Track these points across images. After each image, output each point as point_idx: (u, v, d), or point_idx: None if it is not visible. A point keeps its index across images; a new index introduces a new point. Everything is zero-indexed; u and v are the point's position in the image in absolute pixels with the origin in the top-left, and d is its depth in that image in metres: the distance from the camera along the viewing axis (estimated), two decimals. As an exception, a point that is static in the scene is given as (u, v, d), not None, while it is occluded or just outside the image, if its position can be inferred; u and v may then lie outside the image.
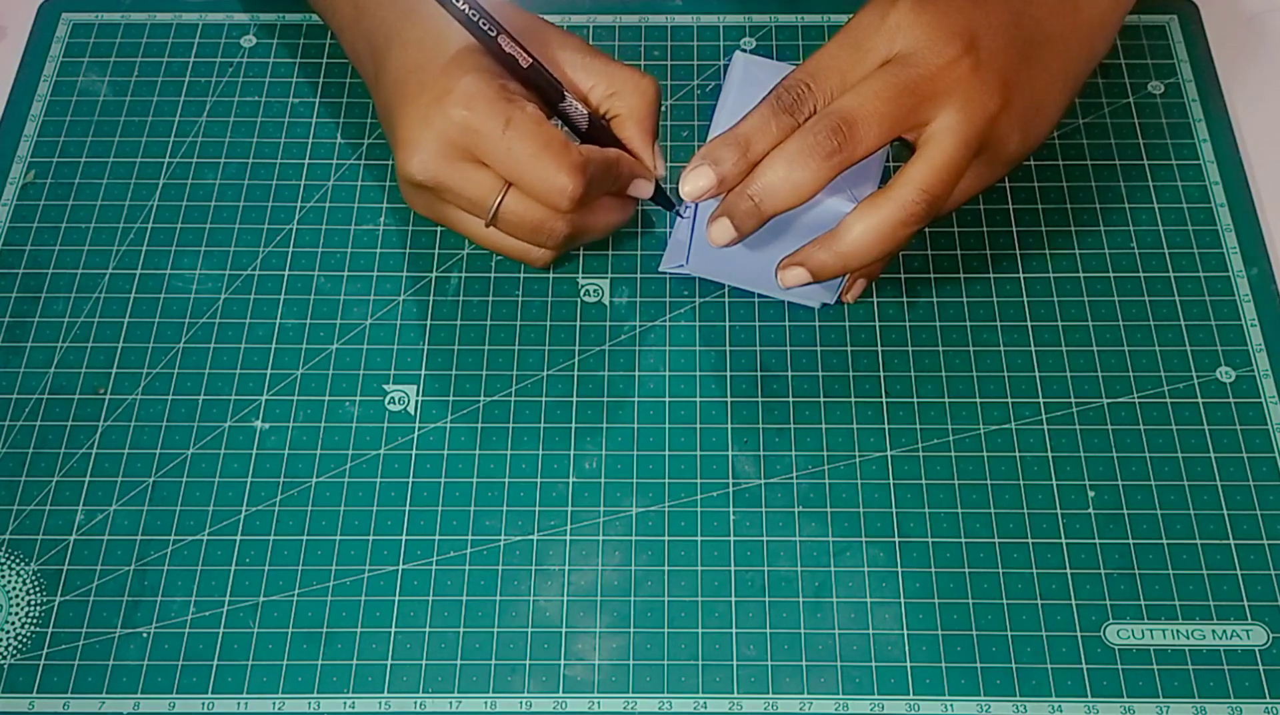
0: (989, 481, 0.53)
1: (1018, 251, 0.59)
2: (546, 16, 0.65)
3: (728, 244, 0.49)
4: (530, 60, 0.51)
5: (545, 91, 0.52)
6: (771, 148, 0.48)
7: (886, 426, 0.54)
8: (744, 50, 0.61)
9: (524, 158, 0.49)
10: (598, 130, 0.53)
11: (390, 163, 0.61)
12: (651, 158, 0.54)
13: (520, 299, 0.58)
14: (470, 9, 0.50)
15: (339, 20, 0.58)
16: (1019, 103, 0.49)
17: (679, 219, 0.56)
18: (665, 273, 0.58)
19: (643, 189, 0.55)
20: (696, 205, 0.52)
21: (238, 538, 0.52)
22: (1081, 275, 0.58)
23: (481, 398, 0.55)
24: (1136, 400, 0.55)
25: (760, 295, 0.57)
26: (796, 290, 0.53)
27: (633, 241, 0.59)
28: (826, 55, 0.49)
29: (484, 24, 0.50)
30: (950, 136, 0.48)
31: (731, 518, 0.53)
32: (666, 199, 0.56)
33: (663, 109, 0.62)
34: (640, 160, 0.54)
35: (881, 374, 0.56)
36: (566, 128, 0.53)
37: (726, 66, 0.59)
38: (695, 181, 0.49)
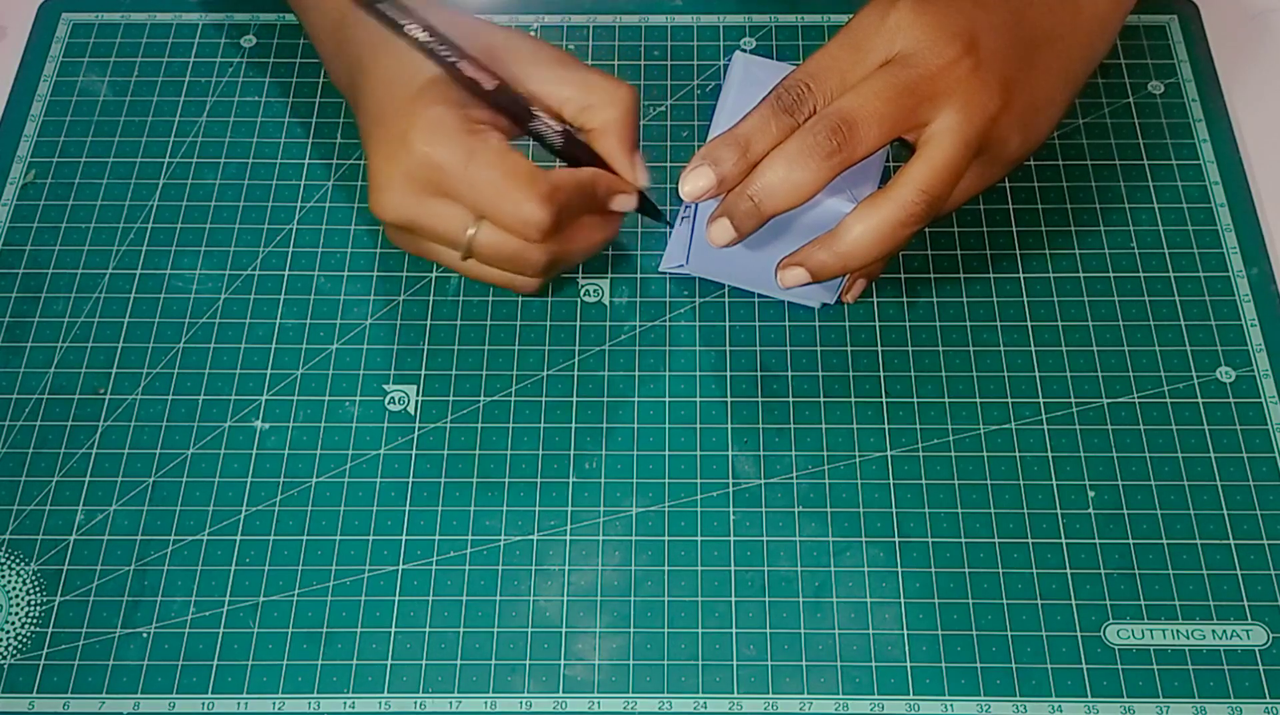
0: (989, 481, 0.53)
1: (1018, 251, 0.59)
2: (547, 17, 0.65)
3: (727, 244, 0.49)
4: (495, 83, 0.49)
5: (514, 113, 0.50)
6: (771, 148, 0.48)
7: (886, 426, 0.54)
8: (744, 50, 0.61)
9: (488, 191, 0.48)
10: (574, 146, 0.52)
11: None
12: (632, 170, 0.52)
13: (520, 299, 0.58)
14: (429, 35, 0.48)
15: (323, 51, 0.58)
16: (1019, 103, 0.49)
17: (679, 219, 0.56)
18: (665, 273, 0.58)
19: (624, 203, 0.53)
20: (696, 206, 0.52)
21: (238, 538, 0.52)
22: (1081, 275, 0.58)
23: (481, 398, 0.55)
24: (1136, 400, 0.55)
25: (760, 295, 0.57)
26: (796, 290, 0.53)
27: (633, 241, 0.59)
28: (826, 55, 0.49)
29: (443, 50, 0.48)
30: (950, 137, 0.48)
31: (731, 518, 0.53)
32: (654, 209, 0.55)
33: (663, 109, 0.62)
34: (620, 174, 0.52)
35: (881, 374, 0.56)
36: (543, 146, 0.52)
37: (726, 66, 0.59)
38: (695, 182, 0.48)
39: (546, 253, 0.50)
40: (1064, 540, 0.52)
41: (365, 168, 0.52)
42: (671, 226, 0.55)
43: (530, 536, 0.52)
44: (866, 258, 0.49)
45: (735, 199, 0.48)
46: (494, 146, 0.48)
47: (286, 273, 0.58)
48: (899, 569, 0.51)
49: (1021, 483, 0.53)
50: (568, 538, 0.52)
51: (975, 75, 0.48)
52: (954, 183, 0.48)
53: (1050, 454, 0.54)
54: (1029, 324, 0.57)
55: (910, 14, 0.48)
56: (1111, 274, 0.58)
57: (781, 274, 0.51)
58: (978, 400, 0.55)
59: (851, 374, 0.56)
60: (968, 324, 0.57)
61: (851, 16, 0.50)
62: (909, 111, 0.47)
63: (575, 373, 0.56)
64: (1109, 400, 0.55)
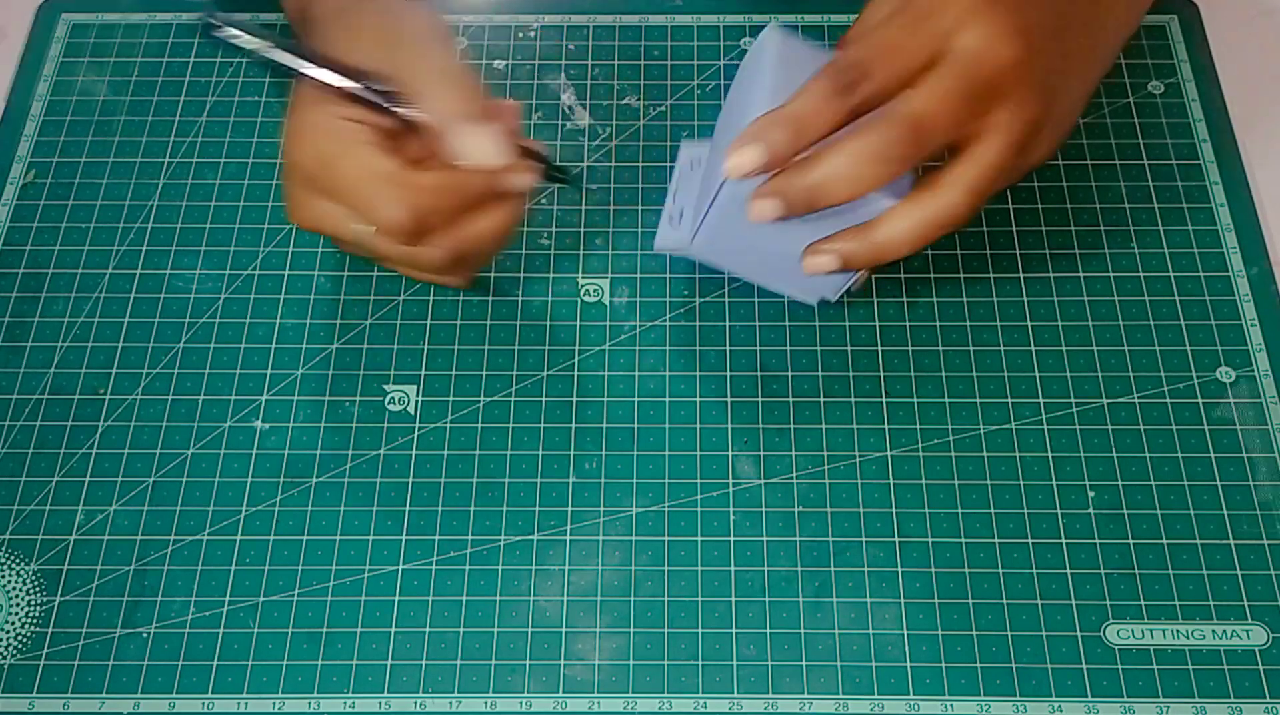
0: (989, 481, 0.53)
1: (1018, 251, 0.59)
2: (547, 17, 0.65)
3: (769, 220, 0.47)
4: (343, 83, 0.48)
5: (379, 107, 0.49)
6: (826, 131, 0.46)
7: (886, 426, 0.54)
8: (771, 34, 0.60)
9: (350, 194, 0.48)
10: (409, 122, 0.49)
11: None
12: (509, 145, 0.49)
13: (520, 299, 0.58)
14: (270, 43, 0.48)
15: None
16: (1056, 110, 0.48)
17: (669, 197, 0.55)
18: (661, 251, 0.56)
19: (517, 182, 0.50)
20: (723, 182, 0.48)
21: (238, 538, 0.52)
22: (1081, 275, 0.58)
23: (481, 398, 0.55)
24: (1136, 400, 0.55)
25: (760, 291, 0.57)
26: (799, 284, 0.52)
27: (633, 241, 0.59)
28: (885, 35, 0.46)
29: (279, 57, 0.48)
30: (1001, 138, 0.46)
31: (731, 518, 0.53)
32: (560, 175, 0.52)
33: (663, 109, 0.62)
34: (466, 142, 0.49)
35: (881, 374, 0.56)
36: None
37: (752, 42, 0.57)
38: (744, 156, 0.46)
39: (442, 250, 0.49)
40: (1064, 540, 0.52)
41: None
42: (589, 190, 0.53)
43: (530, 536, 0.52)
44: (899, 253, 0.48)
45: (791, 180, 0.46)
46: (361, 146, 0.48)
47: (286, 273, 0.58)
48: (899, 569, 0.51)
49: (1021, 483, 0.53)
50: (568, 538, 0.52)
51: (1030, 78, 0.46)
52: (998, 185, 0.47)
53: (1050, 454, 0.54)
54: (1029, 324, 0.57)
55: None
56: (1111, 274, 0.58)
57: (809, 259, 0.49)
58: (978, 400, 0.55)
59: (851, 374, 0.56)
60: (968, 324, 0.57)
61: None
62: (972, 116, 0.46)
63: (575, 373, 0.56)
64: (1109, 400, 0.55)
